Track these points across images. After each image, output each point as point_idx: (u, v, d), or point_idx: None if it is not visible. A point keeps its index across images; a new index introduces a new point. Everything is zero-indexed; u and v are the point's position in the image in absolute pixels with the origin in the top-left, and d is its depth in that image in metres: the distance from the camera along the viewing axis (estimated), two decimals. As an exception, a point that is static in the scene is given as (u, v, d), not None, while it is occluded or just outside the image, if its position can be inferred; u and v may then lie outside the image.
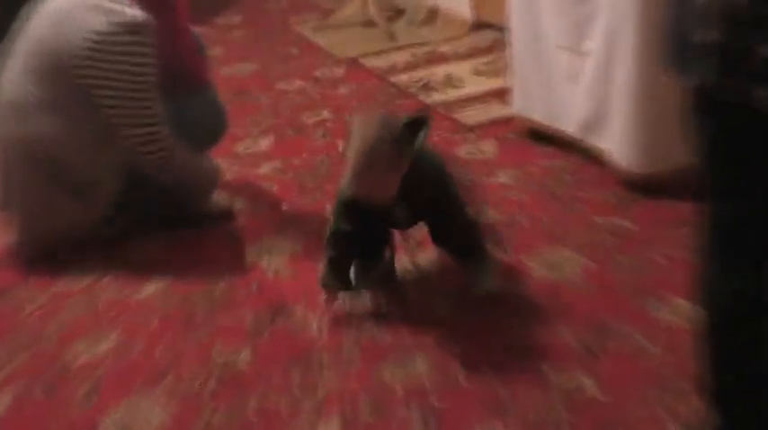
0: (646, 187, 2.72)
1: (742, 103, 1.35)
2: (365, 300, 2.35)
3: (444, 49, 4.26)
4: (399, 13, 4.70)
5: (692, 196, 2.52)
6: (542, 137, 3.12)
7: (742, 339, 1.55)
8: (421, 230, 2.37)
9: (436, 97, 3.65)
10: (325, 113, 3.62)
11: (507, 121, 3.31)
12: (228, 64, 4.32)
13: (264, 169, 3.19)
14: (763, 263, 1.49)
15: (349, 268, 2.34)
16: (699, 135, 1.49)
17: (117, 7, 2.50)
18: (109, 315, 2.43)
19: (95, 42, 2.47)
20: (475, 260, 2.32)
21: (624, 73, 2.67)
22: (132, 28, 2.48)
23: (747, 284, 1.50)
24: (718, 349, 1.61)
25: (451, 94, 3.67)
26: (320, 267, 2.32)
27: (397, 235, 2.43)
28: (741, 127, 1.41)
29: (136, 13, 2.50)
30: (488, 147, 3.15)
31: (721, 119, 1.43)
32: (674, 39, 1.44)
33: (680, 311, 2.18)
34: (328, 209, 2.86)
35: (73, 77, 2.51)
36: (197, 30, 2.95)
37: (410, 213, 2.26)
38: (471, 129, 3.34)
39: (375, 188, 2.13)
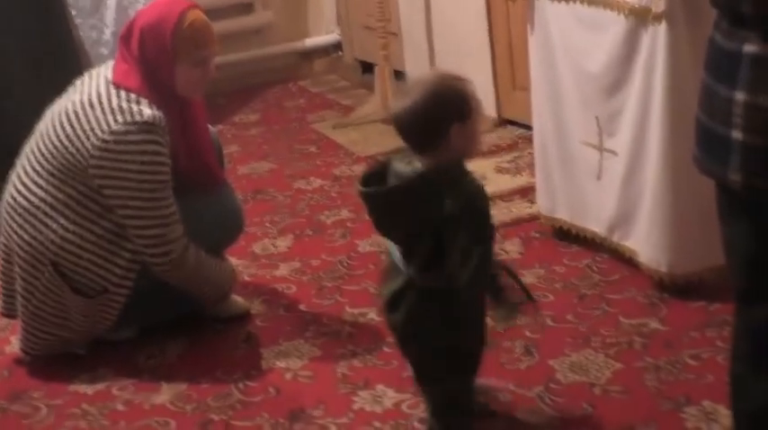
0: (675, 288, 2.84)
1: None
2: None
3: (467, 146, 4.44)
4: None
5: (724, 297, 2.65)
6: (568, 236, 3.25)
7: None
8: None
9: (459, 196, 3.80)
10: (345, 213, 3.78)
11: (531, 220, 3.45)
12: (246, 162, 4.51)
13: (282, 270, 3.34)
14: None
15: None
16: (730, 236, 1.61)
17: (131, 106, 2.67)
18: (124, 420, 2.55)
19: (108, 141, 2.63)
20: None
21: (652, 172, 2.81)
22: (146, 127, 2.65)
23: None
24: None
25: (475, 193, 3.81)
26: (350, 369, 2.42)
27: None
28: None
29: (150, 111, 2.66)
30: (513, 247, 3.29)
31: (755, 221, 1.55)
32: (709, 136, 1.56)
33: (709, 415, 2.28)
34: (347, 310, 3.00)
35: (86, 178, 2.69)
36: (213, 128, 3.14)
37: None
38: (495, 228, 3.47)
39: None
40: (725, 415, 2.25)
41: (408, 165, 2.11)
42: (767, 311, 1.57)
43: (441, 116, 2.07)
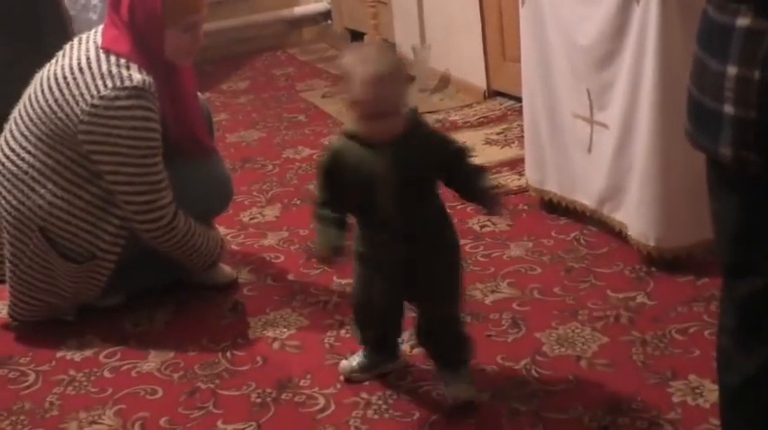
0: (663, 262, 2.85)
1: None
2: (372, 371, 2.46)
3: (456, 117, 4.44)
4: (410, 79, 4.88)
5: (712, 272, 2.66)
6: (557, 208, 3.26)
7: (755, 416, 1.65)
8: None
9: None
10: (334, 182, 3.77)
11: (520, 192, 3.45)
12: (234, 131, 4.49)
13: (270, 239, 3.33)
14: None
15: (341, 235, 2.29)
16: (718, 211, 1.61)
17: (121, 71, 2.64)
18: (111, 386, 2.55)
19: (97, 106, 2.61)
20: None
21: (643, 145, 2.81)
22: (135, 92, 2.63)
23: (762, 361, 1.61)
24: (732, 425, 1.71)
25: (464, 164, 3.81)
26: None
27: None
28: (765, 202, 1.53)
29: (140, 76, 2.64)
30: (501, 219, 3.29)
31: (744, 195, 1.55)
32: (700, 110, 1.55)
33: (695, 389, 2.30)
34: (335, 280, 3.00)
35: (75, 143, 2.67)
36: (203, 96, 3.12)
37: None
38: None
39: (389, 106, 2.13)
40: (711, 389, 2.26)
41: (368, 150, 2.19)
42: (753, 286, 1.58)
43: (404, 80, 2.21)
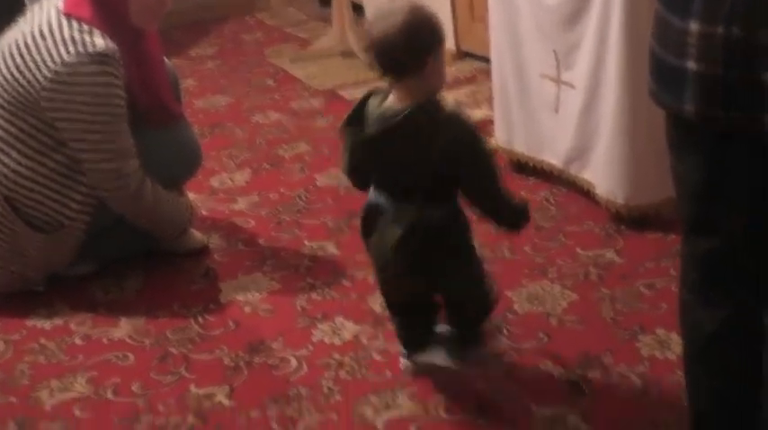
0: (631, 219, 2.87)
1: (738, 133, 1.47)
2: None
3: (426, 79, 4.42)
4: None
5: (679, 229, 2.68)
6: (525, 168, 3.26)
7: (717, 369, 1.68)
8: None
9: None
10: (303, 146, 3.76)
11: (490, 153, 3.45)
12: (202, 96, 4.45)
13: (240, 204, 3.32)
14: (743, 294, 1.62)
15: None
16: (680, 169, 1.62)
17: (83, 37, 2.61)
18: (82, 354, 2.54)
19: (60, 73, 2.58)
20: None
21: (609, 105, 2.82)
22: (99, 58, 2.59)
23: (723, 315, 1.63)
24: (695, 378, 1.73)
25: (433, 126, 3.80)
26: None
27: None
28: (729, 160, 1.54)
29: (103, 42, 2.60)
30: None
31: (706, 153, 1.56)
32: (663, 68, 1.55)
33: (663, 342, 2.32)
34: (306, 244, 3.00)
35: (38, 110, 2.63)
36: (170, 62, 3.08)
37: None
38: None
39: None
40: (678, 342, 2.27)
41: (379, 108, 2.07)
42: (713, 243, 1.59)
43: (421, 42, 2.03)
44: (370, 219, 2.17)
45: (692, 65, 1.46)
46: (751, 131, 1.43)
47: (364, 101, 2.11)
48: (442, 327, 2.31)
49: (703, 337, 1.67)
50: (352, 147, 2.12)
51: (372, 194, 2.17)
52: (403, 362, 2.33)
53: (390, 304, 2.30)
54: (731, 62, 1.42)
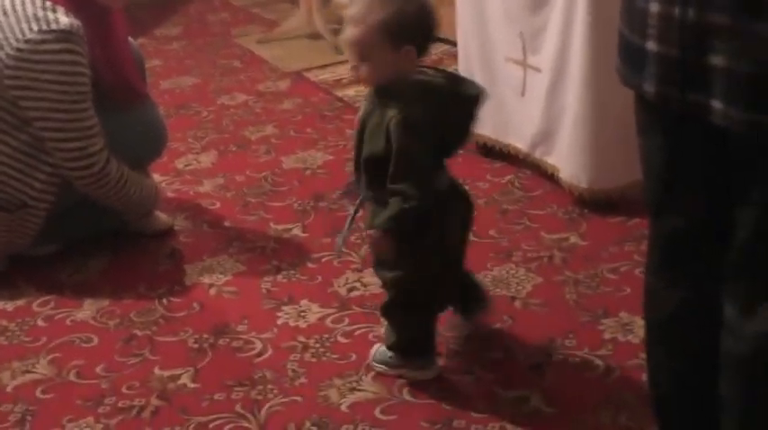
0: (594, 203, 2.88)
1: (694, 116, 1.48)
2: None
3: (393, 62, 4.41)
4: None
5: (643, 213, 2.69)
6: (491, 152, 3.26)
7: (676, 351, 1.69)
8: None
9: (384, 112, 3.78)
10: (270, 129, 3.74)
11: (456, 137, 3.45)
12: (168, 77, 4.41)
13: (206, 186, 3.29)
14: (701, 276, 1.64)
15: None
16: (645, 150, 1.63)
17: (47, 14, 2.56)
18: (45, 335, 2.51)
19: (23, 51, 2.54)
20: None
21: (574, 88, 2.82)
22: (63, 36, 2.55)
23: (682, 296, 1.65)
24: (656, 359, 1.75)
25: (400, 109, 3.79)
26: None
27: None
28: (686, 142, 1.55)
29: (67, 19, 2.56)
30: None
31: (667, 134, 1.57)
32: (629, 47, 1.56)
33: (626, 326, 2.34)
34: (272, 227, 2.98)
35: (1, 89, 2.59)
36: (135, 41, 3.05)
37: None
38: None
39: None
40: (641, 325, 2.27)
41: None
42: (674, 223, 1.61)
43: (411, 27, 2.06)
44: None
45: (652, 45, 1.48)
46: (702, 116, 1.44)
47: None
48: None
49: (663, 319, 1.68)
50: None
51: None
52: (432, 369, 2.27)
53: (442, 299, 2.27)
54: (686, 44, 1.43)
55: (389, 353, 2.24)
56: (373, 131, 2.08)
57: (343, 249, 2.65)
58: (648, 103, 1.54)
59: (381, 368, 2.25)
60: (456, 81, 2.15)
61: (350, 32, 2.06)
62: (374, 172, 2.09)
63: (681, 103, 1.47)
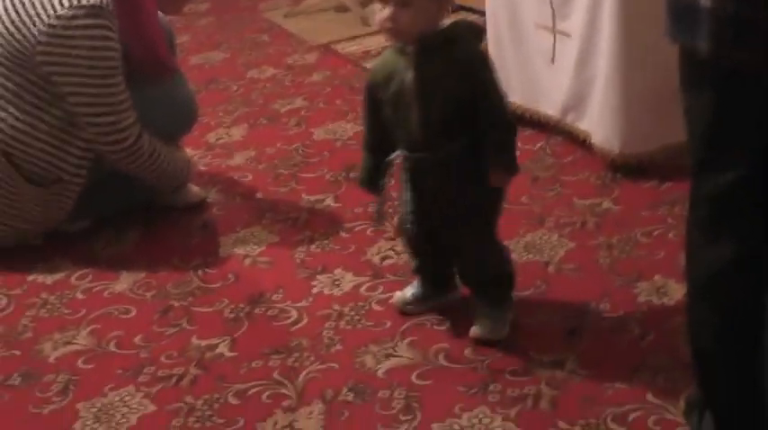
0: (627, 168, 2.86)
1: (745, 72, 1.47)
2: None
3: (420, 33, 4.39)
4: None
5: (674, 176, 2.68)
6: (522, 119, 3.23)
7: (720, 306, 1.68)
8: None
9: (413, 82, 3.77)
10: (299, 101, 3.74)
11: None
12: (197, 52, 4.42)
13: (238, 159, 3.31)
14: (746, 233, 1.63)
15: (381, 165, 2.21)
16: (692, 106, 1.62)
17: (77, -10, 2.59)
18: (84, 307, 2.54)
19: (55, 27, 2.56)
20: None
21: (605, 53, 2.80)
22: (93, 11, 2.57)
23: (730, 252, 1.64)
24: (698, 315, 1.74)
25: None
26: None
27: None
28: (736, 97, 1.53)
29: None
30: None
31: (719, 88, 1.56)
32: (678, 5, 1.55)
33: (660, 289, 2.33)
34: (304, 198, 2.99)
35: (34, 65, 2.61)
36: (164, 17, 3.05)
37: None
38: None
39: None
40: (675, 288, 2.30)
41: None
42: (725, 179, 1.60)
43: None
44: None
45: (705, 2, 1.46)
46: (754, 72, 1.43)
47: None
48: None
49: (707, 275, 1.67)
50: None
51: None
52: (401, 295, 2.36)
53: None
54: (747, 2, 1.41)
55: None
56: (438, 81, 2.05)
57: (382, 220, 2.53)
58: (698, 60, 1.53)
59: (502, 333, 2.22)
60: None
61: None
62: (453, 121, 2.07)
63: (736, 59, 1.46)
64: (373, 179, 2.23)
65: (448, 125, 2.09)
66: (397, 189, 2.26)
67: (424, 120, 2.09)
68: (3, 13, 2.65)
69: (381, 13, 2.04)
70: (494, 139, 2.09)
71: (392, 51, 2.14)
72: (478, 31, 2.13)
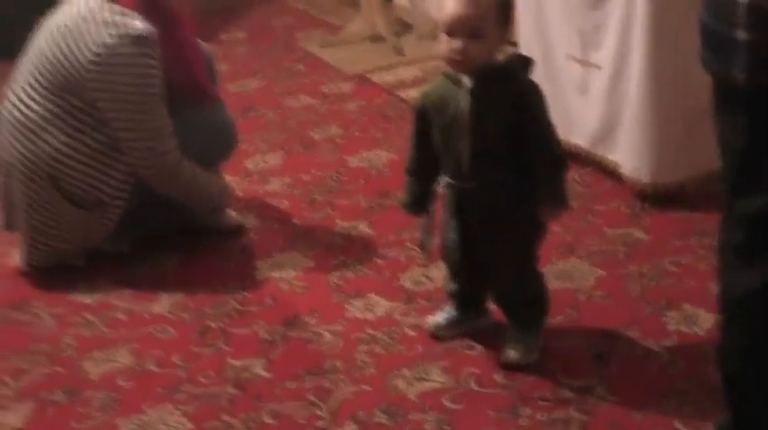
0: (656, 197, 2.89)
1: None
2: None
3: (454, 63, 4.44)
4: (407, 27, 4.89)
5: (704, 206, 2.69)
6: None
7: (752, 329, 1.71)
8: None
9: (446, 112, 3.82)
10: (334, 129, 3.80)
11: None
12: (234, 80, 4.50)
13: (274, 185, 3.37)
14: None
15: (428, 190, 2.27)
16: (726, 132, 1.66)
17: (122, 20, 2.68)
18: (124, 327, 2.61)
19: (101, 55, 2.65)
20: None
21: (635, 83, 2.84)
22: (137, 40, 2.67)
23: (763, 275, 1.67)
24: (729, 338, 1.76)
25: (461, 109, 3.82)
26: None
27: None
28: None
29: (141, 25, 2.68)
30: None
31: (753, 114, 1.60)
32: (714, 37, 1.61)
33: (690, 317, 2.35)
34: (339, 224, 3.04)
35: (80, 91, 2.70)
36: (205, 45, 3.13)
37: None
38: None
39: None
40: (704, 318, 2.32)
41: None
42: (759, 202, 1.63)
43: (511, 6, 2.14)
44: None
45: (741, 34, 1.52)
46: None
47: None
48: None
49: (741, 298, 1.69)
50: None
51: None
52: (435, 320, 2.40)
53: None
54: None
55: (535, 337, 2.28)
56: (492, 112, 2.11)
57: (429, 245, 2.41)
58: (734, 87, 1.58)
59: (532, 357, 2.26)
60: None
61: (462, 8, 2.05)
62: (502, 151, 2.13)
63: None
64: (418, 203, 2.28)
65: (497, 155, 2.15)
66: (440, 214, 2.31)
67: (475, 149, 2.14)
68: (52, 41, 2.74)
69: (449, 44, 2.09)
70: (543, 173, 2.14)
71: (444, 78, 2.19)
72: (529, 63, 2.18)
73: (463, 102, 2.13)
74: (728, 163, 1.67)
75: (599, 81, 2.99)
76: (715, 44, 1.60)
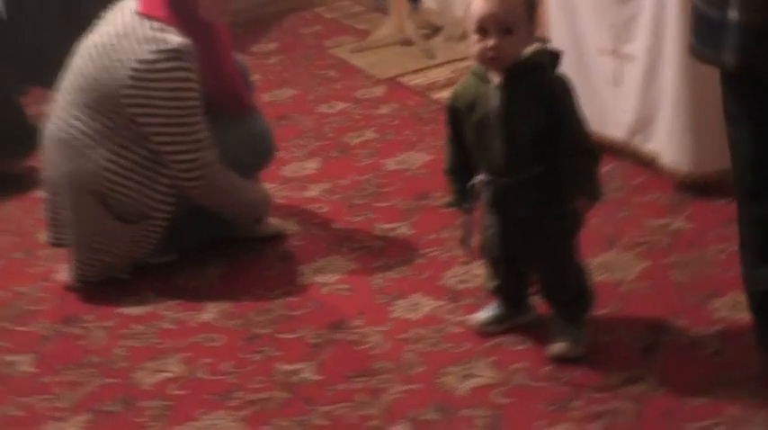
0: (696, 187, 2.88)
1: None
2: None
3: (484, 63, 4.45)
4: (436, 30, 4.90)
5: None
6: (589, 143, 3.28)
7: None
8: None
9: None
10: (369, 134, 3.82)
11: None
12: (268, 90, 4.53)
13: (313, 191, 3.39)
14: None
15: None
16: (734, 137, 1.65)
17: (159, 35, 2.71)
18: (173, 336, 2.64)
19: (139, 71, 2.69)
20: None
21: (670, 74, 2.83)
22: (175, 54, 2.70)
23: None
24: (762, 327, 1.76)
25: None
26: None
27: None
28: None
29: (178, 39, 2.70)
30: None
31: (757, 119, 1.59)
32: (704, 21, 1.59)
33: (733, 305, 2.34)
34: (379, 226, 3.06)
35: (119, 107, 2.74)
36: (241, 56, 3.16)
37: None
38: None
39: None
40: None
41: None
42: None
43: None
44: None
45: (733, 14, 1.49)
46: None
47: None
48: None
49: (763, 292, 1.69)
50: None
51: None
52: (479, 317, 2.41)
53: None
54: None
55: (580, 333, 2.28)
56: (523, 108, 2.12)
57: (470, 243, 2.40)
58: (736, 90, 1.56)
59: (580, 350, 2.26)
60: None
61: (493, 5, 2.07)
62: (535, 147, 2.14)
63: (764, 71, 1.49)
64: (461, 201, 2.29)
65: (530, 150, 2.15)
66: (479, 211, 2.32)
67: (508, 146, 2.15)
68: (89, 59, 2.78)
69: (483, 43, 2.10)
70: (574, 166, 2.15)
71: (473, 77, 2.21)
72: (557, 57, 2.19)
73: (493, 99, 2.15)
74: (738, 167, 1.66)
75: (633, 72, 2.98)
76: (706, 29, 1.57)
